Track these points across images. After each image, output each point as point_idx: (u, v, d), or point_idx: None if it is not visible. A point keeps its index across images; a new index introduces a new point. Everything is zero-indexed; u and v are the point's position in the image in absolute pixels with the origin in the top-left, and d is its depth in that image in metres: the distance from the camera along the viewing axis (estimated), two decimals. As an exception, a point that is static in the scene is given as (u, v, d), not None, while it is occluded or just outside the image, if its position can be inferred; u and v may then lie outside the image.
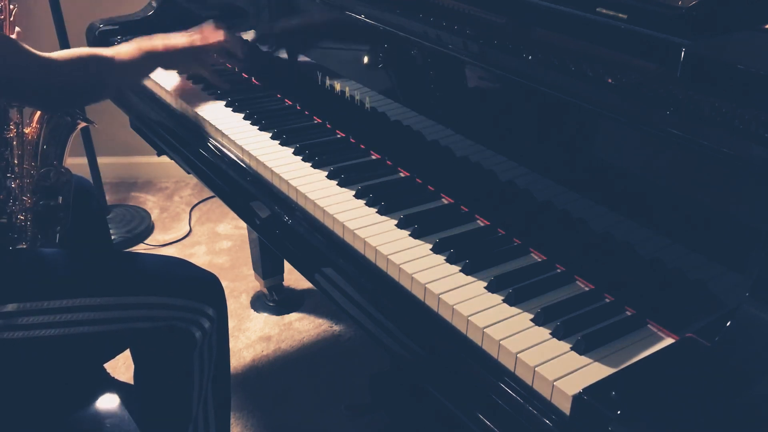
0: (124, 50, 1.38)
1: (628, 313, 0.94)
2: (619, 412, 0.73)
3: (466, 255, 1.03)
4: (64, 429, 1.33)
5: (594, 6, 1.02)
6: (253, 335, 2.17)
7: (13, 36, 1.35)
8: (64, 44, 2.30)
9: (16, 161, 1.38)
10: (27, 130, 1.40)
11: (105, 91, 1.40)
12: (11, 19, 1.33)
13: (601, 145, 1.00)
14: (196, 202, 2.89)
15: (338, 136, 1.43)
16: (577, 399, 0.79)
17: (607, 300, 0.96)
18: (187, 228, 2.72)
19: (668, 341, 0.89)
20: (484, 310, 0.94)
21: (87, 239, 1.56)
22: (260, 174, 1.33)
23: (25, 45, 1.18)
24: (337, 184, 1.24)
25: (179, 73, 1.69)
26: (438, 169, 1.24)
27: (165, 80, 1.66)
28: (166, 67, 1.55)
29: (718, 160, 0.84)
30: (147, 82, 1.73)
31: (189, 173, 1.60)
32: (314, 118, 1.49)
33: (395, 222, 1.13)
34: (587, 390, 0.78)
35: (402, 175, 1.29)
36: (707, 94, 0.86)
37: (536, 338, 0.89)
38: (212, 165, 1.44)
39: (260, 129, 1.43)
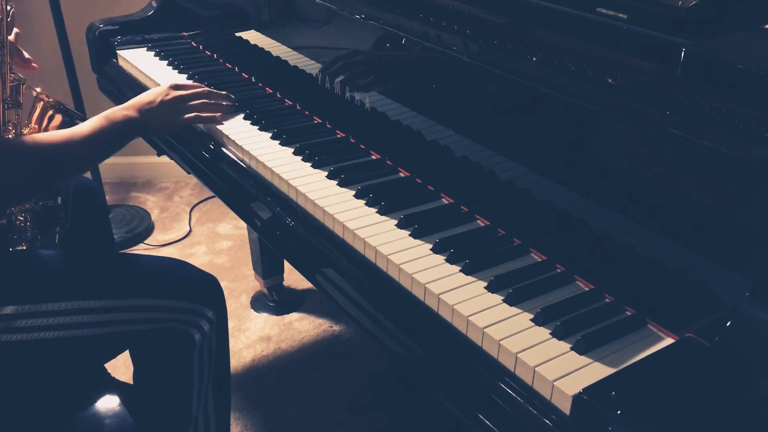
0: (88, 127, 1.24)
1: (628, 313, 0.94)
2: (619, 412, 0.73)
3: (466, 255, 1.03)
4: (64, 429, 1.33)
5: (594, 6, 1.02)
6: (253, 335, 2.17)
7: (11, 37, 1.34)
8: (65, 44, 2.30)
9: (15, 161, 1.38)
10: (25, 131, 1.40)
11: (63, 178, 1.26)
12: (8, 20, 1.32)
13: (601, 145, 1.00)
14: (196, 202, 2.89)
15: (338, 136, 1.43)
16: (577, 399, 0.79)
17: (607, 300, 0.96)
18: (187, 228, 2.72)
19: (668, 341, 0.89)
20: (484, 310, 0.94)
21: (89, 238, 1.56)
22: (260, 174, 1.33)
23: None
24: (337, 184, 1.24)
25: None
26: (438, 169, 1.24)
27: (165, 80, 1.66)
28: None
29: (718, 160, 0.84)
30: (147, 82, 1.73)
31: (189, 173, 1.60)
32: (314, 118, 1.49)
33: (395, 222, 1.13)
34: (587, 390, 0.78)
35: (402, 175, 1.29)
36: (707, 94, 0.86)
37: (536, 338, 0.89)
38: (212, 165, 1.44)
39: (260, 129, 1.43)
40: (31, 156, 1.16)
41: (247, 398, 1.93)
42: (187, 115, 1.40)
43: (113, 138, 1.28)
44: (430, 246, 1.07)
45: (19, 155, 1.15)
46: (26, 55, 1.42)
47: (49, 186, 1.28)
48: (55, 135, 1.21)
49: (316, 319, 2.24)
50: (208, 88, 1.47)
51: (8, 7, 1.31)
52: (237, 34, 1.76)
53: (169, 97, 1.37)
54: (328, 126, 1.46)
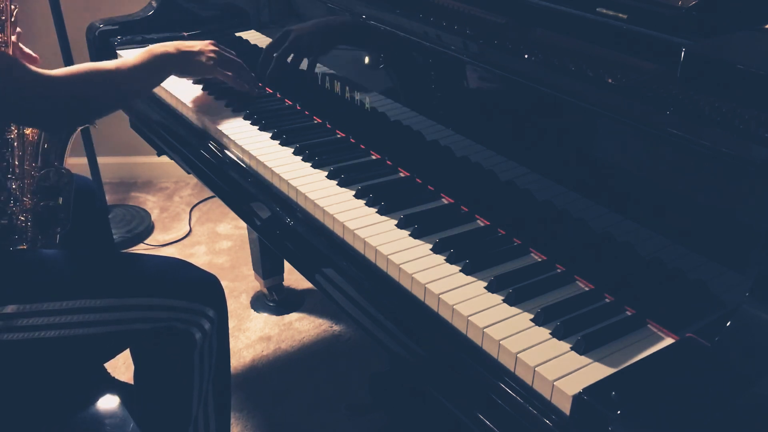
0: (132, 58, 1.36)
1: (628, 313, 0.94)
2: (619, 412, 0.74)
3: (466, 255, 1.03)
4: (64, 429, 1.33)
5: (594, 6, 1.02)
6: (253, 335, 2.17)
7: (14, 38, 1.34)
8: (65, 44, 2.30)
9: (16, 162, 1.38)
10: (27, 131, 1.40)
11: (111, 104, 1.37)
12: (12, 19, 1.32)
13: (601, 145, 1.00)
14: (196, 202, 2.89)
15: (338, 136, 1.43)
16: (577, 399, 0.79)
17: (607, 300, 0.96)
18: (187, 228, 2.72)
19: (668, 341, 0.89)
20: (484, 310, 0.94)
21: (88, 239, 1.56)
22: (260, 174, 1.33)
23: (26, 63, 1.17)
24: (337, 184, 1.24)
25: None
26: (438, 169, 1.24)
27: (165, 82, 1.66)
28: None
29: (718, 160, 0.84)
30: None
31: (189, 173, 1.60)
32: (314, 118, 1.49)
33: (395, 222, 1.13)
34: (587, 390, 0.78)
35: (402, 175, 1.29)
36: (707, 94, 0.86)
37: (536, 338, 0.89)
38: (212, 165, 1.44)
39: (260, 129, 1.43)
40: (92, 78, 1.27)
41: (247, 398, 1.93)
42: (222, 70, 1.50)
43: (152, 70, 1.40)
44: (430, 246, 1.07)
45: (81, 78, 1.25)
46: (32, 54, 1.43)
47: (94, 113, 1.36)
48: (107, 63, 1.34)
49: (316, 319, 2.24)
50: (242, 63, 1.55)
51: (12, 6, 1.32)
52: (237, 34, 1.76)
53: (209, 50, 1.49)
54: (328, 126, 1.46)
